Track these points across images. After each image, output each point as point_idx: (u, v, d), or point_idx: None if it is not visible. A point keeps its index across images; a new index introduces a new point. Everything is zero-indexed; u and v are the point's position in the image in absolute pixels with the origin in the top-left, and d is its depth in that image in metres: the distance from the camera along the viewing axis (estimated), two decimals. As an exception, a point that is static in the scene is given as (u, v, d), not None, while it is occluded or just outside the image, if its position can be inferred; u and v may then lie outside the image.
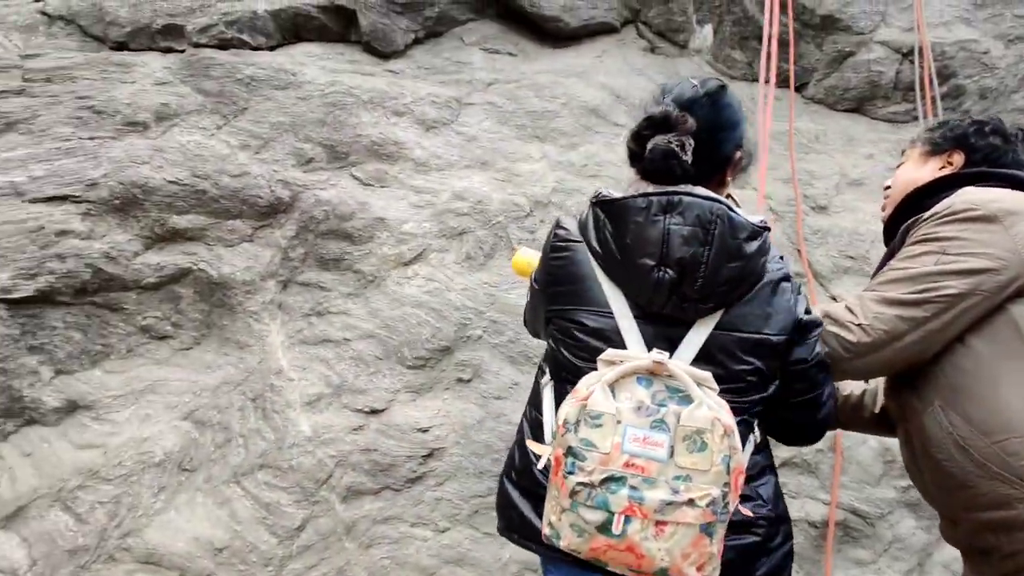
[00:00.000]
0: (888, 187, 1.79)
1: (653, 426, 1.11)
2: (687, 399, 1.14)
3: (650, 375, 1.17)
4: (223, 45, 3.33)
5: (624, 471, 1.09)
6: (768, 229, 1.30)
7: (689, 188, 1.27)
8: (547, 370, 1.44)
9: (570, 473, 1.10)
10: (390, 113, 3.31)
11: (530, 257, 1.92)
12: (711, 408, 1.12)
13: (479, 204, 3.13)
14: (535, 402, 1.45)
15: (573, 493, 1.10)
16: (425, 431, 2.58)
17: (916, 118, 3.90)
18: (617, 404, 1.13)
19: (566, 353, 1.34)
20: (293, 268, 2.94)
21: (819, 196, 3.61)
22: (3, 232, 2.62)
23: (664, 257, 1.22)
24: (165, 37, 3.30)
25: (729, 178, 1.44)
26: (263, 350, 2.75)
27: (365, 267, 2.93)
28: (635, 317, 1.27)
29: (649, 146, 1.29)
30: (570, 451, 1.11)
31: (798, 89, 4.21)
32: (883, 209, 1.79)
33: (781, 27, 3.98)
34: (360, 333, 2.78)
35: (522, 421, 1.50)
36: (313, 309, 2.86)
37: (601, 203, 1.31)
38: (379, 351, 2.75)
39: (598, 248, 1.32)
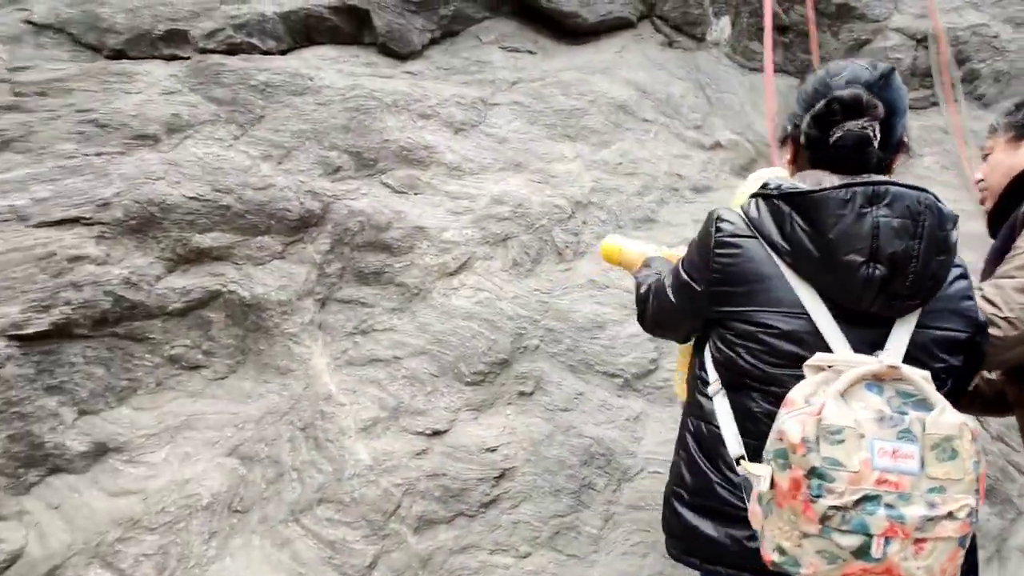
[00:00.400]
0: (981, 179, 1.75)
1: (900, 437, 0.98)
2: (925, 404, 1.02)
3: (877, 380, 1.05)
4: (232, 50, 3.11)
5: (877, 489, 0.96)
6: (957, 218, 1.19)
7: (886, 178, 1.16)
8: (711, 378, 1.30)
9: (817, 496, 0.96)
10: (416, 116, 3.13)
11: (620, 244, 1.79)
12: (955, 412, 1.01)
13: (520, 208, 2.97)
14: (702, 415, 1.31)
15: (825, 518, 0.96)
16: (493, 450, 2.41)
17: (935, 104, 3.91)
18: (855, 415, 0.99)
19: (749, 359, 1.20)
20: (331, 284, 2.74)
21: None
22: (9, 261, 2.36)
23: (875, 252, 1.09)
24: (168, 44, 3.06)
25: (895, 165, 1.33)
26: (307, 374, 2.54)
27: (408, 279, 2.74)
28: (833, 317, 1.15)
29: (838, 132, 1.17)
30: (814, 472, 0.97)
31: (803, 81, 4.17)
32: (982, 202, 1.75)
33: (799, 17, 3.95)
34: (411, 350, 2.59)
35: (684, 436, 1.36)
36: (357, 327, 2.66)
37: (787, 196, 1.18)
38: (434, 368, 2.57)
39: (783, 244, 1.18)
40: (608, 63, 3.69)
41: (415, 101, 3.17)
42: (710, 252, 1.26)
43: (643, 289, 1.54)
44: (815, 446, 0.97)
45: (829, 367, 1.08)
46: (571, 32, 3.77)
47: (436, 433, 2.43)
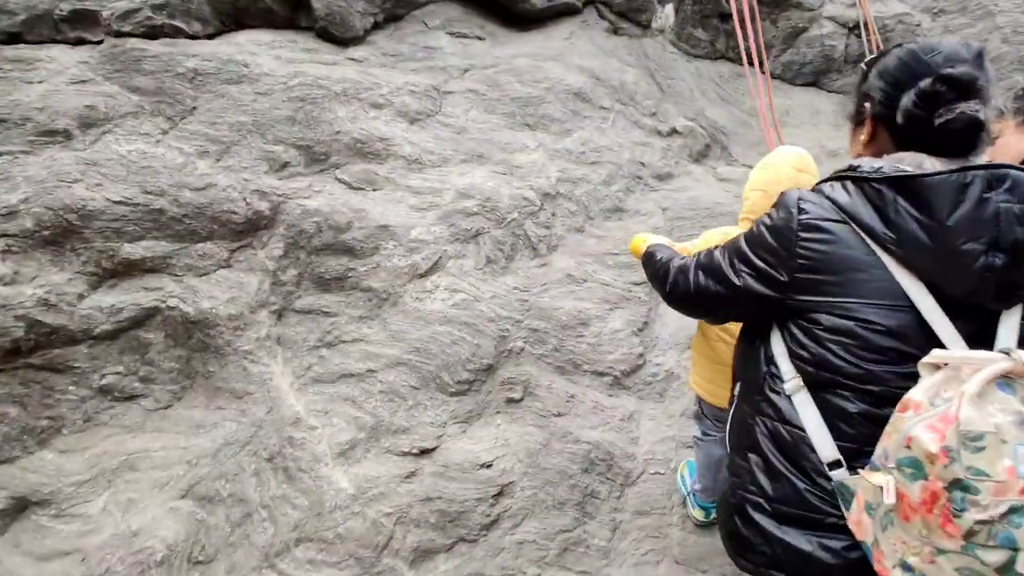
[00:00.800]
0: None
1: None
2: None
3: (1007, 379, 0.93)
4: (152, 34, 2.73)
5: (1023, 499, 0.84)
6: None
7: (1002, 161, 1.06)
8: (787, 375, 1.16)
9: (961, 511, 0.84)
10: (368, 106, 2.87)
11: (645, 237, 1.75)
12: None
13: (488, 201, 2.78)
14: (777, 415, 1.17)
15: (970, 534, 0.84)
16: (488, 466, 2.20)
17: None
18: (994, 419, 0.88)
19: (844, 355, 1.07)
20: (287, 294, 2.44)
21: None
22: None
23: (996, 240, 0.98)
24: (74, 26, 2.65)
25: None
26: (269, 397, 2.24)
27: (375, 283, 2.49)
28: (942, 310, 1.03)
29: (948, 114, 1.05)
30: (958, 484, 0.84)
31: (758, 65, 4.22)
32: None
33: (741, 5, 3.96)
34: (386, 361, 2.34)
35: (755, 439, 1.21)
36: (321, 340, 2.38)
37: (893, 179, 1.05)
38: (414, 379, 2.33)
39: (886, 231, 1.05)
40: (559, 50, 3.56)
41: (365, 90, 2.90)
42: (794, 236, 1.12)
43: (661, 259, 1.47)
44: (957, 456, 0.85)
45: (946, 365, 0.96)
46: (518, 17, 3.61)
47: (424, 452, 2.19)
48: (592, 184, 3.10)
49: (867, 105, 1.18)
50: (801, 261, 1.11)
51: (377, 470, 2.13)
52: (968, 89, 1.05)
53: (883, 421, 0.98)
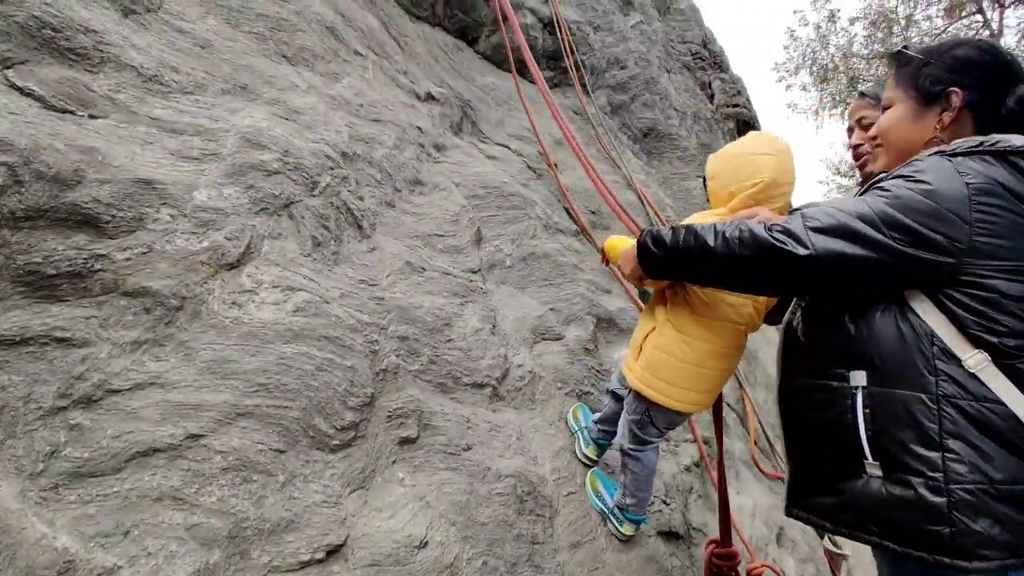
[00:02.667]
0: (861, 144, 1.95)
1: None
2: None
3: None
4: None
5: None
6: None
7: None
8: (965, 352, 1.10)
9: None
10: (51, -32, 1.60)
11: (619, 239, 1.68)
12: None
13: (288, 156, 1.89)
14: (971, 395, 1.09)
15: None
16: (424, 545, 1.46)
17: (570, 84, 4.32)
18: None
19: None
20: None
21: (538, 156, 3.60)
22: None
23: None
24: None
25: None
26: (-19, 537, 1.02)
27: (151, 281, 1.40)
28: None
29: None
30: None
31: (470, 43, 4.05)
32: (862, 166, 1.93)
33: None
34: (216, 415, 1.33)
35: (955, 428, 1.08)
36: (66, 394, 1.21)
37: None
38: (274, 437, 1.38)
39: None
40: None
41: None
42: (967, 201, 1.10)
43: (687, 231, 1.32)
44: None
45: None
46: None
47: (333, 551, 1.32)
48: (386, 147, 2.43)
49: (954, 95, 1.25)
50: (980, 225, 1.09)
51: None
52: None
53: None
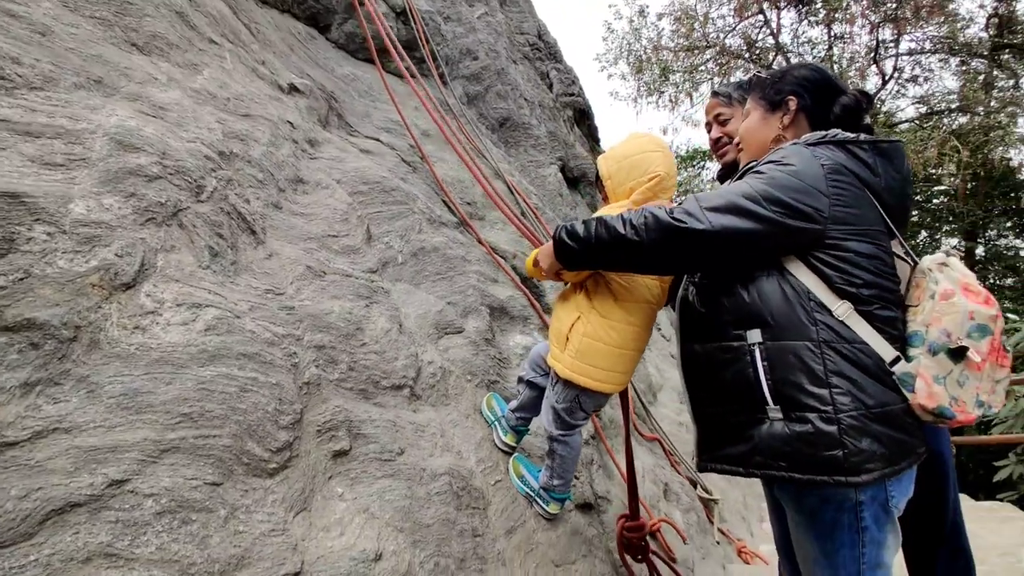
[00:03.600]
0: (721, 138, 2.16)
1: None
2: None
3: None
4: None
5: None
6: None
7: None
8: (833, 302, 1.36)
9: (1006, 349, 1.33)
10: None
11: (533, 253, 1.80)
12: None
13: (167, 158, 1.69)
14: (839, 338, 1.34)
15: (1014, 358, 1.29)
16: (379, 558, 1.40)
17: (427, 75, 4.26)
18: None
19: (880, 270, 1.40)
20: None
21: (410, 148, 3.53)
22: None
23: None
24: None
25: None
26: None
27: (35, 311, 1.21)
28: None
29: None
30: (1004, 331, 1.33)
31: (322, 31, 3.85)
32: (721, 156, 2.16)
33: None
34: (139, 455, 1.18)
35: (833, 366, 1.31)
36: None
37: (873, 143, 1.44)
38: (208, 470, 1.25)
39: (873, 178, 1.43)
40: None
41: None
42: (824, 179, 1.36)
43: (594, 224, 1.51)
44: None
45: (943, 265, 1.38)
46: None
47: (291, 583, 1.24)
48: (262, 145, 2.26)
49: (787, 99, 1.57)
50: (836, 198, 1.36)
51: (235, 658, 1.10)
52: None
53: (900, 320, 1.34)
